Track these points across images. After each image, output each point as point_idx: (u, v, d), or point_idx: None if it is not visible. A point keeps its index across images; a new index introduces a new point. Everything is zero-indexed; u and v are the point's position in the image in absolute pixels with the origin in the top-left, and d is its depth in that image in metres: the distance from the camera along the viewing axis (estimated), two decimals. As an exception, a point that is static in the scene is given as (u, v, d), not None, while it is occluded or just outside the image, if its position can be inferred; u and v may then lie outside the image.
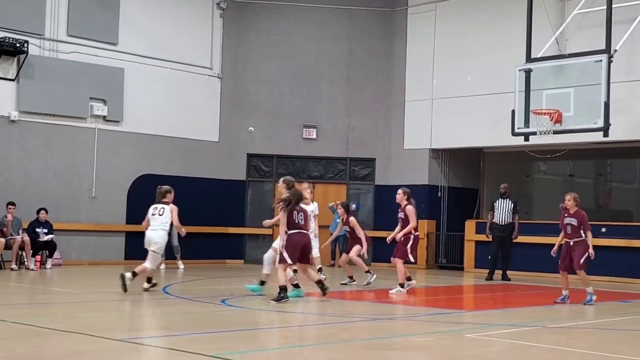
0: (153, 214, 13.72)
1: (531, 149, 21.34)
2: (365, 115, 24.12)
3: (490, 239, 19.04)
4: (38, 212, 19.21)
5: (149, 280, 13.76)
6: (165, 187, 14.08)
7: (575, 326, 10.79)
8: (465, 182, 24.01)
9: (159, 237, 13.57)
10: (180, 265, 20.29)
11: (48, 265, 18.95)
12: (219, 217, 22.51)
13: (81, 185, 20.85)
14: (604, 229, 18.38)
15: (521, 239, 18.93)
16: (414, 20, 23.82)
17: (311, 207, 15.50)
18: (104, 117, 21.15)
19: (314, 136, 23.84)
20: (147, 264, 13.39)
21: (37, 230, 19.03)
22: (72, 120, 20.72)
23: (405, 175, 23.54)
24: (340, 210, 16.97)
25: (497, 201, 19.00)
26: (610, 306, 13.48)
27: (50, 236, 19.11)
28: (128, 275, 13.03)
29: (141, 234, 21.01)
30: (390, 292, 14.32)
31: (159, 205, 13.80)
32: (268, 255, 13.40)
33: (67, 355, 7.73)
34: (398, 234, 14.71)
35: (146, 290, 13.59)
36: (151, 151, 21.98)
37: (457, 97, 22.65)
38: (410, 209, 14.71)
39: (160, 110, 22.27)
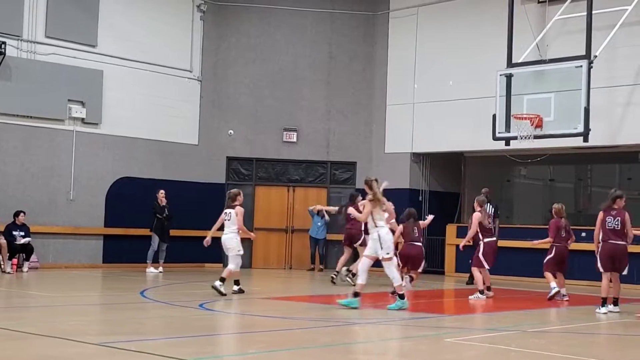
0: (225, 220, 14.47)
1: (512, 154, 21.36)
2: (346, 119, 24.07)
3: (471, 244, 19.03)
4: (16, 214, 19.05)
5: (236, 282, 14.47)
6: (234, 190, 14.72)
7: (554, 330, 10.79)
8: (446, 186, 24.00)
9: (230, 240, 14.27)
10: (158, 269, 20.12)
11: (25, 269, 18.80)
12: (198, 220, 22.28)
13: (59, 188, 20.67)
14: (584, 234, 18.38)
15: (502, 243, 18.88)
16: (396, 25, 23.81)
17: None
18: (83, 119, 20.97)
19: (295, 139, 23.77)
20: (231, 266, 14.13)
21: (14, 233, 18.84)
22: (50, 122, 20.53)
23: (387, 179, 23.37)
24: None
25: None
26: (590, 310, 13.48)
27: (27, 239, 18.94)
28: (217, 283, 13.78)
29: (119, 238, 21.14)
30: (469, 297, 14.74)
31: (228, 210, 14.43)
32: (363, 265, 12.75)
33: (43, 359, 7.68)
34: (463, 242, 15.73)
35: (234, 293, 14.19)
36: (130, 154, 21.81)
37: (438, 102, 22.64)
38: (476, 216, 15.19)
39: (140, 112, 22.11)
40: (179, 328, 10.17)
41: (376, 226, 12.39)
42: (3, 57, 19.53)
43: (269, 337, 9.58)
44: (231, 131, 23.26)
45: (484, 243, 15.08)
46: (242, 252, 14.36)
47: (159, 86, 22.53)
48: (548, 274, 14.85)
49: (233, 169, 23.73)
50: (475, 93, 21.42)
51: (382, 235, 12.36)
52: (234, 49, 23.90)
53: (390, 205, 13.92)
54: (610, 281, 12.96)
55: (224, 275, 13.94)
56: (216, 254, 23.61)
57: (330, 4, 24.09)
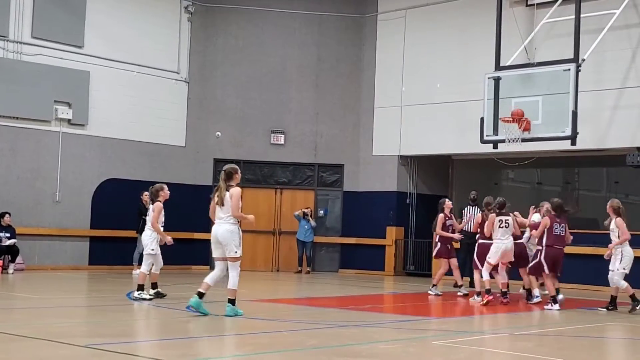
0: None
1: (499, 157, 21.39)
2: (334, 121, 24.06)
3: (458, 246, 19.02)
4: (1, 216, 18.97)
5: (153, 285, 13.95)
6: (157, 185, 14.29)
7: (542, 333, 10.77)
8: (433, 189, 23.99)
9: (144, 236, 14.08)
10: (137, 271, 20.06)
11: (10, 270, 18.75)
12: (184, 222, 22.24)
13: (45, 190, 20.59)
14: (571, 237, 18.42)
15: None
16: (384, 27, 23.83)
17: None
18: (69, 120, 20.89)
19: (282, 142, 23.72)
20: (142, 267, 13.76)
21: (0, 234, 18.78)
22: (36, 123, 20.43)
23: (374, 182, 23.56)
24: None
25: (466, 208, 18.98)
26: (577, 313, 13.49)
27: (13, 240, 18.91)
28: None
29: (105, 239, 21.01)
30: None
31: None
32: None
33: None
34: None
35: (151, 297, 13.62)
36: (117, 155, 21.74)
37: (426, 104, 22.67)
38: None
39: (126, 114, 22.04)
40: (166, 330, 10.16)
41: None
42: (-11, 58, 19.52)
43: (257, 339, 9.51)
44: (219, 133, 23.19)
45: (479, 244, 14.94)
46: (154, 252, 13.71)
47: (146, 87, 22.46)
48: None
49: (220, 170, 23.58)
50: (463, 96, 21.46)
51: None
52: (221, 50, 23.85)
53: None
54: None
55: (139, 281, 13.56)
56: (203, 256, 23.76)
57: (319, 6, 24.07)
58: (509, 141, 17.81)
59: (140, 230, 19.99)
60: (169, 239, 13.90)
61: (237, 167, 12.12)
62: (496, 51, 18.77)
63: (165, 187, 14.11)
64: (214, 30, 23.89)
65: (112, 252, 21.02)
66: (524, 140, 17.69)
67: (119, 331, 10.02)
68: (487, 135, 18.38)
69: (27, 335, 8.91)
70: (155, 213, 13.75)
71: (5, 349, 8.22)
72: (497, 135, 18.17)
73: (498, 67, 18.63)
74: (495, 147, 18.99)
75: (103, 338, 9.15)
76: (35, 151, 20.45)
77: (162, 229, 13.98)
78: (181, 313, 11.59)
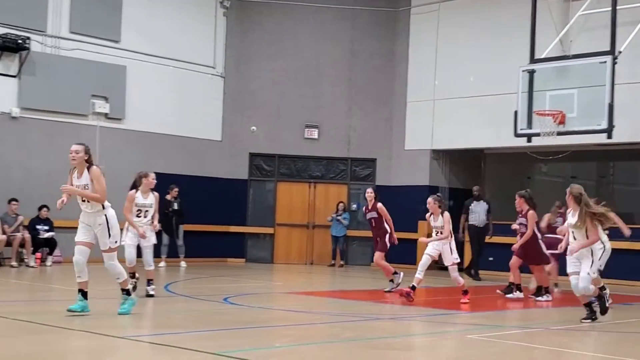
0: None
1: (533, 150, 21.31)
2: (367, 116, 24.12)
3: (468, 240, 19.68)
4: (39, 209, 19.23)
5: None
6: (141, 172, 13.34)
7: (577, 328, 10.73)
8: (465, 183, 23.91)
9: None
10: (183, 264, 20.32)
11: (48, 263, 18.99)
12: (220, 215, 22.46)
13: None
14: (606, 232, 18.33)
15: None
16: (417, 21, 23.81)
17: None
18: (106, 114, 21.10)
19: (316, 136, 23.84)
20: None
21: (38, 227, 19.07)
22: (73, 117, 20.64)
23: (406, 176, 23.56)
24: (370, 195, 15.69)
25: (473, 203, 19.37)
26: (621, 308, 13.40)
27: (51, 233, 19.14)
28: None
29: None
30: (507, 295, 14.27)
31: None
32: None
33: (68, 352, 7.84)
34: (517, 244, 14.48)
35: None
36: (153, 149, 21.88)
37: (459, 98, 22.61)
38: (532, 215, 14.34)
39: (163, 108, 22.24)
40: (204, 321, 10.29)
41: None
42: (27, 53, 19.69)
43: (293, 331, 9.67)
44: (254, 127, 23.36)
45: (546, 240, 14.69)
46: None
47: (182, 82, 22.63)
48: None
49: (255, 165, 23.82)
50: (497, 89, 21.39)
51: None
52: (256, 45, 23.99)
53: None
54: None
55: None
56: (239, 248, 23.99)
57: (352, 0, 24.11)
58: (544, 134, 17.77)
59: (161, 223, 20.28)
60: (141, 230, 12.78)
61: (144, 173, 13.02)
62: (531, 44, 18.70)
63: (151, 175, 13.23)
64: (249, 25, 24.04)
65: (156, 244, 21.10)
66: (559, 133, 17.64)
67: (157, 322, 10.27)
68: (520, 129, 18.33)
69: (64, 327, 9.09)
70: (126, 202, 13.10)
71: (43, 340, 8.39)
72: (531, 128, 18.12)
73: (533, 59, 18.55)
74: (529, 140, 18.93)
75: (142, 329, 9.46)
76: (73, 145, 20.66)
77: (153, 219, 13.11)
78: (219, 305, 11.77)
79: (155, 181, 13.15)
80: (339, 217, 22.95)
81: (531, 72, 18.21)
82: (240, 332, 9.50)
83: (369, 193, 15.58)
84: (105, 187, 10.21)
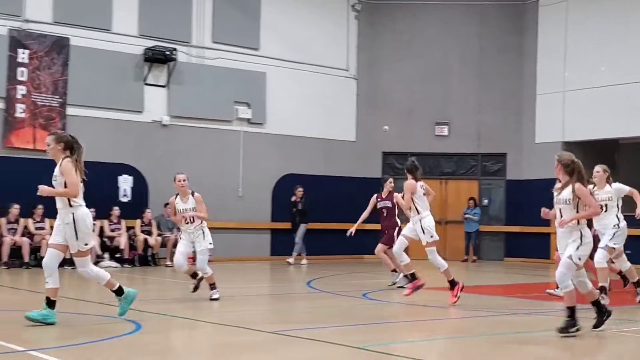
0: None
1: (670, 139, 20.94)
2: (496, 111, 24.20)
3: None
4: (193, 211, 20.27)
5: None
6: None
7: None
8: (599, 175, 23.73)
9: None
10: (291, 260, 20.88)
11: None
12: (356, 214, 23.10)
13: (228, 186, 21.63)
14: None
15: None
16: (546, 13, 23.76)
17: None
18: (249, 119, 22.05)
19: (446, 133, 24.17)
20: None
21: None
22: (218, 123, 21.65)
23: (538, 169, 23.46)
24: (390, 185, 15.13)
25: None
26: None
27: (200, 234, 20.15)
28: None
29: (285, 231, 21.80)
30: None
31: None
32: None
33: (221, 346, 8.20)
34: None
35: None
36: (293, 151, 22.65)
37: (590, 89, 22.45)
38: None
39: (300, 111, 22.98)
40: (345, 316, 10.51)
41: None
42: (175, 64, 20.75)
43: (430, 326, 9.87)
44: (386, 127, 23.96)
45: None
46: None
47: (318, 85, 23.33)
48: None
49: (388, 163, 24.41)
50: (629, 78, 21.22)
51: None
52: (387, 46, 24.52)
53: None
54: None
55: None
56: (375, 245, 24.41)
57: (479, -4, 24.23)
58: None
59: (292, 224, 21.02)
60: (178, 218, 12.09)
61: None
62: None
63: (178, 176, 12.21)
64: (380, 27, 24.55)
65: (292, 243, 21.50)
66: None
67: (302, 318, 10.60)
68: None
69: (216, 322, 9.58)
70: (170, 208, 12.64)
71: (197, 335, 8.83)
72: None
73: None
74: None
75: (287, 324, 9.76)
76: (218, 150, 21.60)
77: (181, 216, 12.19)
78: (359, 300, 12.04)
79: (182, 182, 12.07)
80: (467, 215, 23.28)
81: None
82: (380, 326, 9.78)
83: (390, 183, 15.17)
84: (76, 181, 9.03)
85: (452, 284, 11.73)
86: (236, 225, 21.70)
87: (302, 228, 21.19)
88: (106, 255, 18.98)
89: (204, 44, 21.68)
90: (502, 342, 8.68)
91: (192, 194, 12.05)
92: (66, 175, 9.02)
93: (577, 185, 8.81)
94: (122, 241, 19.11)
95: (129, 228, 19.54)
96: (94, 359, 7.39)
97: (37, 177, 17.01)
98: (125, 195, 20.34)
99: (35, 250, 18.35)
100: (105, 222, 19.46)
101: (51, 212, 16.88)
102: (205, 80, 21.42)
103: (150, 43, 20.53)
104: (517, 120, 24.22)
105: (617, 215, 11.52)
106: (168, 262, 19.17)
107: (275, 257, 22.02)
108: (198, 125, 21.42)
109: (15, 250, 18.22)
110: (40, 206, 18.19)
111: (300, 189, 21.21)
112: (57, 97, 19.66)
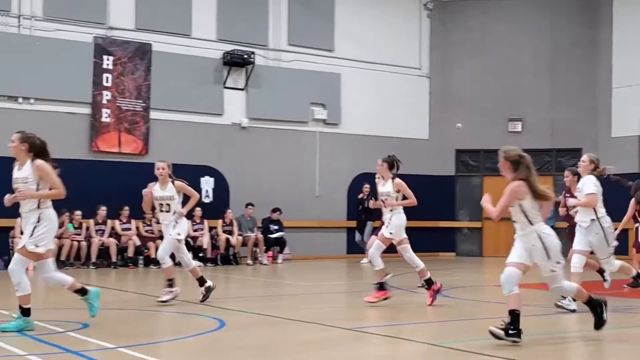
0: None
1: None
2: (570, 105, 24.15)
3: None
4: (273, 211, 20.68)
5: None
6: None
7: None
8: (681, 168, 23.54)
9: None
10: (364, 260, 20.69)
11: (279, 260, 20.39)
12: (430, 211, 23.22)
13: (305, 185, 22.20)
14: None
15: None
16: (620, 5, 23.69)
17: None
18: (324, 120, 22.55)
19: (519, 129, 24.22)
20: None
21: (270, 227, 20.59)
22: (295, 124, 22.21)
23: (613, 164, 23.34)
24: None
25: None
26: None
27: (280, 233, 20.58)
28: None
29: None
30: None
31: None
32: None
33: (298, 343, 8.40)
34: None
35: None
36: (367, 151, 22.63)
37: (668, 80, 22.08)
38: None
39: (374, 111, 23.36)
40: (419, 314, 10.75)
41: None
42: (252, 67, 21.35)
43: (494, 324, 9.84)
44: (459, 124, 24.10)
45: None
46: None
47: (391, 85, 23.69)
48: None
49: (461, 161, 24.62)
50: None
51: None
52: (459, 44, 24.72)
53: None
54: None
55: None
56: (449, 243, 24.79)
57: (552, -9, 24.13)
58: None
59: (357, 222, 21.22)
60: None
61: None
62: None
63: (158, 164, 11.51)
64: (451, 25, 24.79)
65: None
66: None
67: (378, 315, 10.65)
68: None
69: (296, 319, 9.74)
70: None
71: (278, 332, 9.04)
72: None
73: None
74: None
75: (364, 321, 9.99)
76: (296, 151, 22.16)
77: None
78: (424, 298, 12.02)
79: (161, 170, 11.33)
80: None
81: None
82: (455, 323, 9.89)
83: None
84: (59, 181, 8.67)
85: (429, 283, 11.62)
86: (313, 223, 22.20)
87: (369, 226, 21.18)
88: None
89: (280, 47, 22.21)
90: (577, 340, 8.74)
91: (173, 182, 11.29)
92: (47, 177, 8.57)
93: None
94: (205, 241, 19.70)
95: (211, 228, 20.11)
96: (192, 354, 7.78)
97: (123, 179, 18.20)
98: (207, 197, 20.93)
99: (122, 251, 19.20)
100: (189, 223, 20.02)
101: (136, 213, 17.93)
102: (282, 83, 21.94)
103: (229, 47, 21.15)
104: (592, 114, 24.13)
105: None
106: (249, 261, 19.88)
107: (351, 255, 22.40)
108: (275, 127, 21.96)
109: (103, 251, 19.04)
110: (126, 208, 19.02)
111: (367, 186, 21.10)
112: (141, 101, 20.40)
